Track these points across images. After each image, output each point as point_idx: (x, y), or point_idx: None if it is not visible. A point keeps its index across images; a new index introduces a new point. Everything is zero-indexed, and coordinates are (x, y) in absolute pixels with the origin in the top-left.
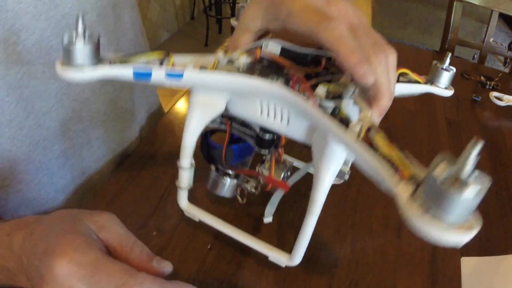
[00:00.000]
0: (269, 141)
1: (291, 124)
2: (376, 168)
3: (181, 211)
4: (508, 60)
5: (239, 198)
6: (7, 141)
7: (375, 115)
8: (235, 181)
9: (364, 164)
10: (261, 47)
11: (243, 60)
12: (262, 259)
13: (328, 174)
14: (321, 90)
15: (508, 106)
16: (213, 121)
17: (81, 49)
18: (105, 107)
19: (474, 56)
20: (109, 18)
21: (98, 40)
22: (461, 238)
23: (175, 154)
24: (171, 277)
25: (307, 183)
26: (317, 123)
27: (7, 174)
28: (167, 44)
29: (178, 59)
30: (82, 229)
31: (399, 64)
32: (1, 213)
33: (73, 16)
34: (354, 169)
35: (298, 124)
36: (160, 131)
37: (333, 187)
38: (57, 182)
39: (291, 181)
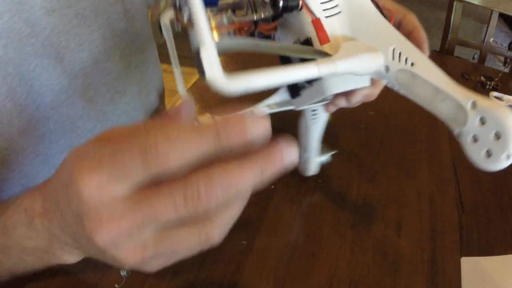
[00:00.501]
0: None
1: None
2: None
3: None
4: (508, 60)
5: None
6: (16, 132)
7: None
8: None
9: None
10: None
11: None
12: (262, 259)
13: None
14: None
15: (508, 106)
16: None
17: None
18: (108, 108)
19: (474, 56)
20: (120, 22)
21: None
22: None
23: None
24: (171, 276)
25: None
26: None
27: (14, 166)
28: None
29: None
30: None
31: None
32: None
33: (85, 16)
34: (353, 169)
35: None
36: None
37: (333, 187)
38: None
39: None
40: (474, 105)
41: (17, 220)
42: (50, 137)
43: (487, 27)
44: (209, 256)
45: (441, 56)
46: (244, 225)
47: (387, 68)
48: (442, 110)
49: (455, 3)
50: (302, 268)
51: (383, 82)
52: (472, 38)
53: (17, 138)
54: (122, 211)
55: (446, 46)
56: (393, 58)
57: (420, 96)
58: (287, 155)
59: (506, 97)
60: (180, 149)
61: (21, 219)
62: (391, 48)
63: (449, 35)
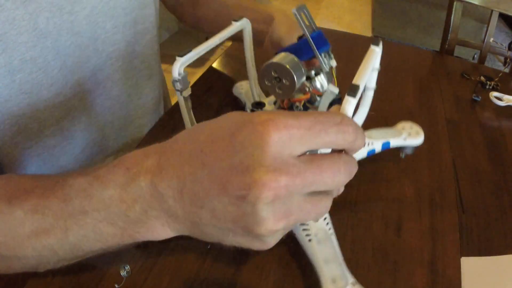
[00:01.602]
0: None
1: None
2: None
3: None
4: (508, 60)
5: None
6: (43, 104)
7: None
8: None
9: None
10: None
11: None
12: (262, 259)
13: None
14: None
15: (508, 106)
16: None
17: None
18: (131, 91)
19: (474, 56)
20: (150, 9)
21: None
22: None
23: None
24: (171, 276)
25: None
26: None
27: (34, 136)
28: (167, 44)
29: None
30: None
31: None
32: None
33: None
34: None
35: None
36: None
37: None
38: (77, 153)
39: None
40: None
41: (111, 180)
42: (73, 113)
43: (487, 27)
44: (209, 256)
45: (441, 56)
46: None
47: None
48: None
49: (455, 3)
50: (302, 268)
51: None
52: (472, 38)
53: (43, 110)
54: (298, 169)
55: (446, 46)
56: None
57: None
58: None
59: (506, 97)
60: (362, 137)
61: (116, 179)
62: None
63: (449, 35)
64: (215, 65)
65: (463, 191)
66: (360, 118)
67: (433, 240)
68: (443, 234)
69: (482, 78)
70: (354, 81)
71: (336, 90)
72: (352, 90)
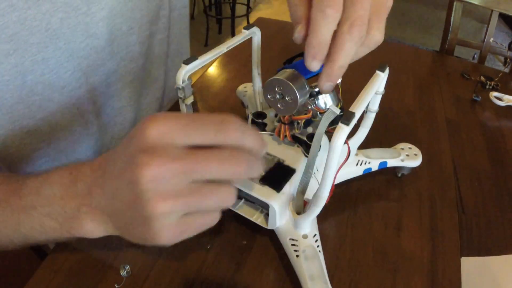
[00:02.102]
0: None
1: None
2: None
3: None
4: (508, 60)
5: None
6: (54, 106)
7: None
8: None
9: None
10: None
11: None
12: (262, 259)
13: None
14: None
15: (508, 106)
16: None
17: None
18: (140, 93)
19: (474, 56)
20: (165, 10)
21: None
22: None
23: None
24: (171, 276)
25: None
26: None
27: (44, 137)
28: None
29: None
30: None
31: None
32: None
33: (138, 0)
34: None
35: None
36: None
37: (334, 187)
38: (87, 155)
39: None
40: None
41: (56, 180)
42: (87, 116)
43: (487, 27)
44: (209, 256)
45: (441, 56)
46: (244, 225)
47: None
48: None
49: (455, 3)
50: None
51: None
52: (472, 38)
53: (54, 112)
54: (177, 155)
55: (446, 46)
56: None
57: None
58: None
59: (506, 97)
60: (251, 136)
61: (61, 181)
62: None
63: (449, 35)
64: (215, 65)
65: (463, 191)
66: (360, 138)
67: (433, 240)
68: (443, 234)
69: (482, 78)
70: (352, 108)
71: (337, 111)
72: (347, 117)
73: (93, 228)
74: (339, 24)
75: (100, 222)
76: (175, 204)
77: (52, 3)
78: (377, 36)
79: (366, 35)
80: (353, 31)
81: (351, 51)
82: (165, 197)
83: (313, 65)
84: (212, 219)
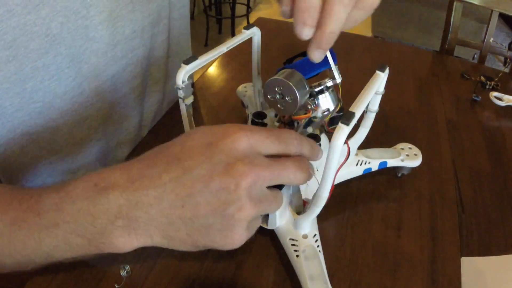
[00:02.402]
0: None
1: None
2: None
3: None
4: (508, 60)
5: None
6: (55, 113)
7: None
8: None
9: None
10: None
11: None
12: (262, 259)
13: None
14: None
15: (508, 106)
16: None
17: None
18: (143, 97)
19: (474, 56)
20: (165, 10)
21: None
22: None
23: None
24: (171, 276)
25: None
26: None
27: (46, 145)
28: None
29: None
30: None
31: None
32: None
33: (140, 2)
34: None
35: None
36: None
37: (334, 187)
38: (90, 161)
39: None
40: None
41: (79, 194)
42: (90, 123)
43: (487, 27)
44: (209, 256)
45: (441, 56)
46: None
47: None
48: None
49: (455, 3)
50: None
51: None
52: (472, 38)
53: (55, 119)
54: (266, 163)
55: (446, 46)
56: None
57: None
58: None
59: (506, 97)
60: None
61: (85, 193)
62: None
63: (449, 35)
64: (215, 65)
65: (463, 191)
66: (360, 138)
67: (433, 240)
68: (443, 234)
69: (482, 78)
70: (351, 108)
71: (331, 107)
72: (347, 117)
73: (127, 242)
74: None
75: (140, 235)
76: (259, 209)
77: (52, 7)
78: (339, 9)
79: None
80: None
81: (341, 15)
82: (254, 203)
83: (305, 32)
84: (260, 222)
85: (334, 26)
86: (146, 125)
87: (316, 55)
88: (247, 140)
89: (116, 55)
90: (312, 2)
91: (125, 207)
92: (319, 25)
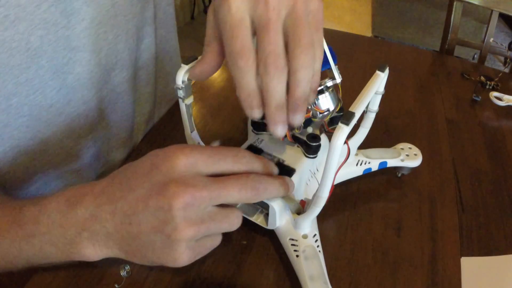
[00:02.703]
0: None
1: None
2: None
3: None
4: (508, 60)
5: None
6: (43, 125)
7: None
8: None
9: None
10: None
11: None
12: (262, 259)
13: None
14: None
15: (508, 106)
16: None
17: None
18: (133, 100)
19: (474, 56)
20: (150, 11)
21: None
22: None
23: None
24: (171, 276)
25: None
26: None
27: (37, 156)
28: None
29: None
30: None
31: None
32: (22, 195)
33: (121, 6)
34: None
35: None
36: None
37: (334, 187)
38: (83, 169)
39: None
40: None
41: (53, 208)
42: (79, 131)
43: (487, 27)
44: (209, 256)
45: (441, 56)
46: (244, 225)
47: None
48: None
49: (455, 3)
50: None
51: None
52: (472, 38)
53: (44, 131)
54: (204, 183)
55: (446, 46)
56: None
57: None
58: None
59: (506, 97)
60: (260, 165)
61: (58, 207)
62: None
63: (449, 35)
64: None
65: (463, 191)
66: (360, 138)
67: (433, 240)
68: (443, 234)
69: (482, 78)
70: (351, 108)
71: (331, 108)
72: (347, 118)
73: (93, 252)
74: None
75: (102, 247)
76: (198, 230)
77: (30, 21)
78: (301, 71)
79: (285, 67)
80: (269, 70)
81: (278, 88)
82: (190, 223)
83: (254, 114)
84: (218, 241)
85: (276, 100)
86: (140, 128)
87: (276, 132)
88: (186, 160)
89: (101, 62)
90: (249, 89)
91: (88, 220)
92: (264, 103)
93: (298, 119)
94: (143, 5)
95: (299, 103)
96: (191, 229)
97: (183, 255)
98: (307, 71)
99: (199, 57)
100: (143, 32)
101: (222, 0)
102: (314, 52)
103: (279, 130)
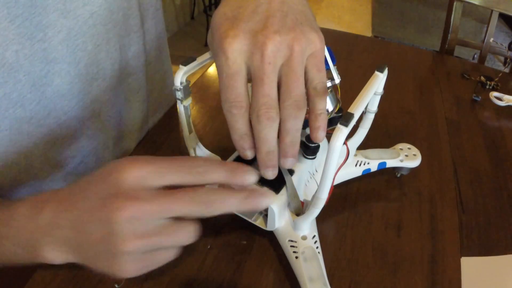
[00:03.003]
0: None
1: None
2: None
3: None
4: (508, 60)
5: None
6: (25, 138)
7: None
8: None
9: None
10: None
11: None
12: (262, 259)
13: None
14: None
15: (508, 106)
16: None
17: None
18: (121, 108)
19: (474, 56)
20: (135, 18)
21: None
22: None
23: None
24: (171, 276)
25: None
26: None
27: (22, 169)
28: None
29: None
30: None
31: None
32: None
33: (100, 15)
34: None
35: None
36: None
37: (334, 188)
38: (67, 178)
39: None
40: None
41: (22, 212)
42: (61, 142)
43: (487, 27)
44: (209, 256)
45: (441, 56)
46: (244, 225)
47: None
48: None
49: (455, 3)
50: None
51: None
52: (472, 38)
53: (26, 144)
54: (150, 197)
55: (446, 46)
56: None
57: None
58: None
59: (506, 97)
60: (212, 174)
61: (25, 212)
62: None
63: (449, 35)
64: (215, 65)
65: (463, 191)
66: (359, 139)
67: (433, 240)
68: (443, 234)
69: (482, 78)
70: (350, 109)
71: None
72: (346, 119)
73: (55, 256)
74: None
75: (63, 252)
76: (143, 243)
77: (4, 36)
78: (289, 121)
79: (277, 117)
80: (261, 120)
81: (268, 136)
82: (135, 237)
83: (247, 155)
84: (172, 255)
85: (268, 146)
86: (132, 137)
87: (267, 175)
88: (135, 173)
89: (80, 72)
90: (240, 133)
91: (49, 226)
92: (256, 147)
93: (289, 162)
94: (125, 12)
95: (289, 150)
96: (135, 242)
97: (127, 267)
98: (296, 122)
99: (197, 58)
100: (129, 40)
101: (220, 50)
102: (302, 105)
103: (270, 173)
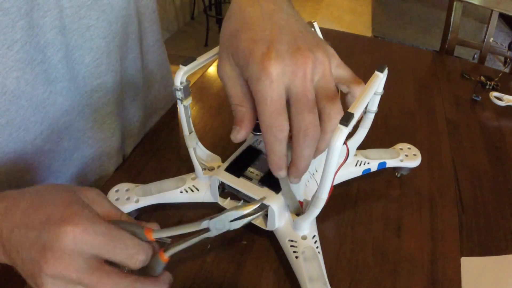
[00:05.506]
0: None
1: None
2: None
3: (181, 211)
4: (508, 60)
5: None
6: (30, 157)
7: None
8: None
9: None
10: None
11: None
12: (262, 259)
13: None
14: None
15: (508, 106)
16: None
17: None
18: (121, 114)
19: (474, 56)
20: (132, 25)
21: None
22: None
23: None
24: (172, 275)
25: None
26: None
27: (28, 183)
28: (167, 44)
29: None
30: (81, 201)
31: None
32: None
33: (98, 28)
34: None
35: None
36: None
37: (334, 188)
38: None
39: None
40: None
41: None
42: (64, 154)
43: (487, 27)
44: (209, 256)
45: (441, 56)
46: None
47: None
48: None
49: (455, 3)
50: None
51: None
52: (472, 38)
53: (31, 160)
54: (79, 267)
55: (446, 46)
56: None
57: None
58: None
59: (506, 97)
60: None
61: None
62: None
63: (449, 35)
64: (215, 65)
65: (463, 191)
66: (359, 139)
67: (433, 240)
68: (443, 234)
69: (482, 78)
70: (350, 109)
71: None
72: (346, 119)
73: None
74: (293, 133)
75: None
76: None
77: (3, 64)
78: (328, 140)
79: (318, 134)
80: (307, 139)
81: (309, 154)
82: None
83: (281, 174)
84: None
85: (305, 163)
86: (129, 142)
87: (294, 182)
88: (73, 238)
89: (78, 86)
90: (280, 155)
91: (4, 231)
92: (292, 163)
93: (298, 179)
94: (124, 21)
95: (299, 174)
96: None
97: None
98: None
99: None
100: (127, 48)
101: (262, 72)
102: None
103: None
